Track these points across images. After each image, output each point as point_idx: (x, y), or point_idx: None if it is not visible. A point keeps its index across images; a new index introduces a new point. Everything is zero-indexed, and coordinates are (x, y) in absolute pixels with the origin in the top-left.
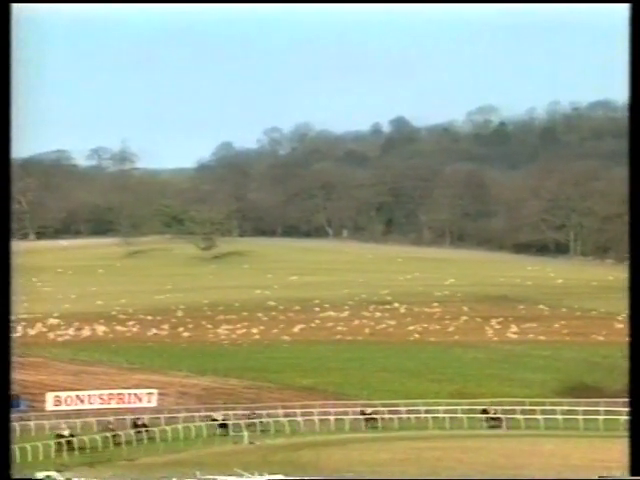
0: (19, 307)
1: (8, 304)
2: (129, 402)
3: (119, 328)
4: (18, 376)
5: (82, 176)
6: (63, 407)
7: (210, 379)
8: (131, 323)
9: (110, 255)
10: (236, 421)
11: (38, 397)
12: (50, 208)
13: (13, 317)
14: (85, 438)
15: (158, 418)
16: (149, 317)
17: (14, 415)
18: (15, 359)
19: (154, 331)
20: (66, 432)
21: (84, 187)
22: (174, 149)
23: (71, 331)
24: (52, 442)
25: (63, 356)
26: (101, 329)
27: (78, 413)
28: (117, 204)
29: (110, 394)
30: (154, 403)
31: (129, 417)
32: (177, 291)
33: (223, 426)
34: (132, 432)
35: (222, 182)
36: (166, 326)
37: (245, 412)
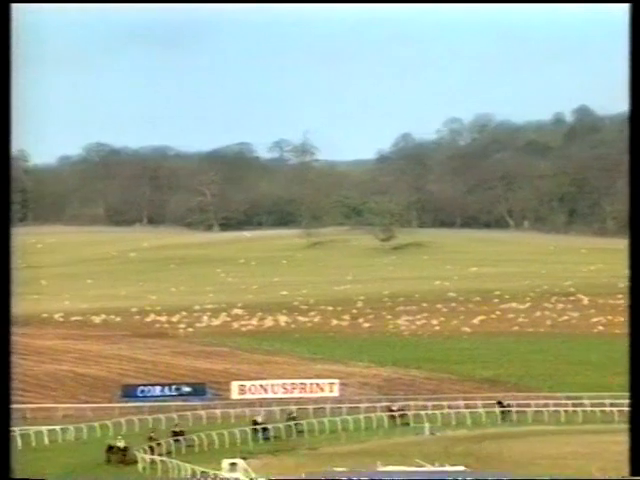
0: (204, 297)
1: (8, 302)
2: (311, 392)
3: (301, 318)
4: (204, 365)
5: (264, 168)
6: (247, 396)
7: (390, 370)
8: (312, 313)
9: (291, 246)
10: (417, 412)
11: (223, 386)
12: (233, 200)
13: (198, 307)
14: (269, 426)
15: (340, 408)
16: (330, 308)
17: (202, 403)
18: (201, 348)
19: (335, 322)
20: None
21: (266, 179)
22: (354, 141)
23: (254, 321)
24: (237, 430)
25: (247, 346)
26: (283, 319)
27: (261, 402)
28: (298, 196)
29: (293, 384)
30: (336, 393)
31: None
32: (357, 282)
33: (403, 416)
34: (315, 422)
35: (401, 173)
36: (347, 317)
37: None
